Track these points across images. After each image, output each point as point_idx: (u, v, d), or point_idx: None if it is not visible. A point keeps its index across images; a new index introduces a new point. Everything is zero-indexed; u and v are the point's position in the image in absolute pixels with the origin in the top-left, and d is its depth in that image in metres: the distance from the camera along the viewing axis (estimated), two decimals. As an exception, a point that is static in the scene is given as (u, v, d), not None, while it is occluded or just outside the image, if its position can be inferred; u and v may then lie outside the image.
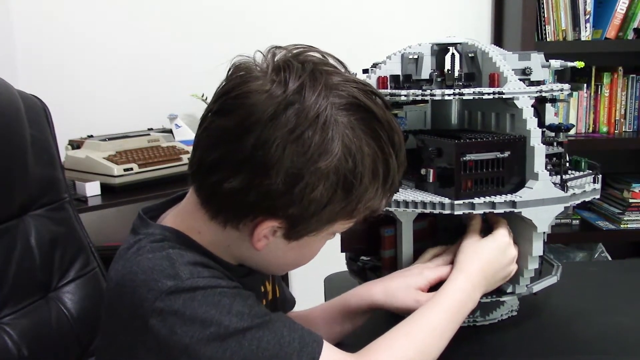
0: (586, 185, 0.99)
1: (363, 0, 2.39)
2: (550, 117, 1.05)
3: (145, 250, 0.74)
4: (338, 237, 1.06)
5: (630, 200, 2.30)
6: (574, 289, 1.18)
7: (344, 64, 0.76)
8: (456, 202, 0.91)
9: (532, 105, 0.94)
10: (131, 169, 1.88)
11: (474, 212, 0.91)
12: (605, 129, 2.34)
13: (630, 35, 2.21)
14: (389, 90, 0.98)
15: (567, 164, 1.04)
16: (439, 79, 1.00)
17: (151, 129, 2.21)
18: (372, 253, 1.08)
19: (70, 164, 1.89)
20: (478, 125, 1.07)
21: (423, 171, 0.97)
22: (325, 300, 1.17)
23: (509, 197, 0.91)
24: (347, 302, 0.95)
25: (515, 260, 0.94)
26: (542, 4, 2.17)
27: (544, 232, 0.94)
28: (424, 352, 0.79)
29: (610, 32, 2.22)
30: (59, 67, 2.26)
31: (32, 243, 1.05)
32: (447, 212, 0.91)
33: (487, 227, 0.96)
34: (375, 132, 0.72)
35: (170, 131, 2.20)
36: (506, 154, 0.92)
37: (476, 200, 0.91)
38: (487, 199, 0.91)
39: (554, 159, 1.01)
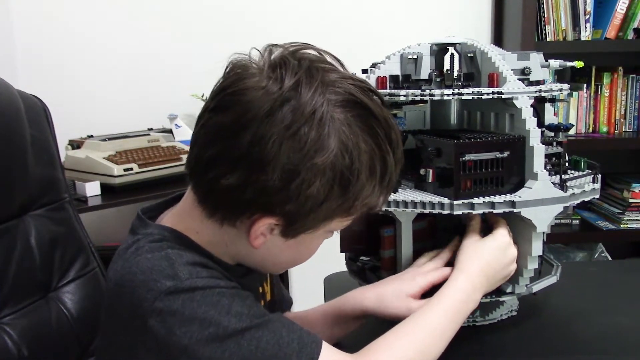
0: (586, 185, 0.99)
1: (363, 0, 2.39)
2: (550, 117, 1.05)
3: (144, 251, 0.74)
4: (338, 237, 1.06)
5: (630, 200, 2.30)
6: (574, 289, 1.18)
7: (340, 62, 0.76)
8: (455, 202, 0.91)
9: (532, 105, 0.94)
10: (131, 169, 1.88)
11: (474, 212, 0.91)
12: (605, 129, 2.34)
13: (630, 35, 2.21)
14: (388, 90, 0.98)
15: (567, 164, 1.04)
16: (438, 79, 1.00)
17: (151, 129, 2.21)
18: (371, 253, 1.08)
19: (70, 164, 1.89)
20: (477, 125, 1.07)
21: (422, 171, 0.97)
22: (325, 301, 1.18)
23: (508, 197, 0.91)
24: (341, 307, 0.95)
25: (515, 259, 0.94)
26: (542, 4, 2.17)
27: (544, 232, 0.94)
28: (424, 352, 0.79)
29: (610, 32, 2.22)
30: (59, 67, 2.26)
31: (32, 243, 1.05)
32: (446, 212, 0.91)
33: (487, 227, 0.96)
34: (372, 129, 0.72)
35: (170, 131, 2.20)
36: (505, 154, 0.92)
37: (475, 200, 0.91)
38: (487, 199, 0.91)
39: (554, 158, 1.01)
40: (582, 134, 2.33)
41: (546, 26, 2.19)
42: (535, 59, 1.00)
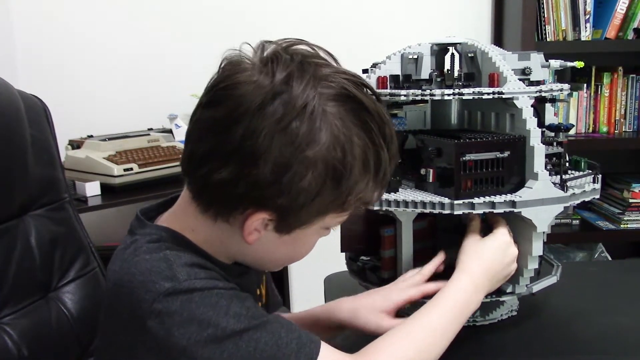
0: (586, 185, 0.99)
1: (363, 0, 2.39)
2: (550, 117, 1.05)
3: (142, 251, 0.74)
4: (338, 237, 1.06)
5: (630, 200, 2.30)
6: (574, 289, 1.18)
7: (334, 57, 0.76)
8: (456, 202, 0.91)
9: (532, 105, 0.94)
10: (131, 169, 1.88)
11: (474, 212, 0.91)
12: (605, 129, 2.34)
13: (630, 35, 2.21)
14: (388, 90, 0.98)
15: (567, 164, 1.04)
16: (438, 79, 1.00)
17: (151, 129, 2.21)
18: (371, 253, 1.08)
19: (70, 164, 1.89)
20: (478, 125, 1.07)
21: (423, 171, 0.97)
22: (325, 301, 1.18)
23: (508, 197, 0.91)
24: (319, 316, 0.95)
25: (516, 259, 0.94)
26: (542, 4, 2.17)
27: (544, 232, 0.94)
28: (424, 352, 0.79)
29: (610, 32, 2.22)
30: (59, 67, 2.26)
31: (32, 243, 1.05)
32: (446, 212, 0.91)
33: (487, 227, 0.96)
34: (365, 124, 0.72)
35: (170, 131, 2.20)
36: (506, 154, 0.92)
37: (476, 200, 0.91)
38: (487, 198, 0.91)
39: (554, 158, 1.01)
40: (582, 134, 2.33)
41: (546, 26, 2.19)
42: (536, 59, 1.00)
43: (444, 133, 0.98)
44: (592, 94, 2.32)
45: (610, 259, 2.39)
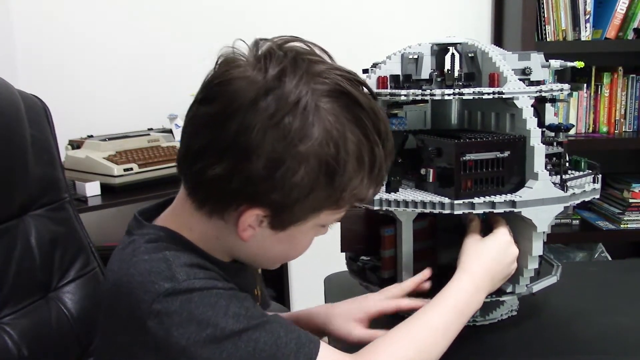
0: (586, 185, 0.99)
1: (363, 0, 2.39)
2: (550, 117, 1.05)
3: (141, 252, 0.74)
4: (338, 237, 1.06)
5: (630, 200, 2.29)
6: (574, 289, 1.18)
7: (329, 55, 0.76)
8: (456, 201, 0.91)
9: (532, 105, 0.94)
10: (131, 169, 1.88)
11: (474, 211, 0.91)
12: (605, 129, 2.34)
13: (630, 35, 2.21)
14: (388, 90, 0.98)
15: (567, 164, 1.04)
16: (438, 79, 1.00)
17: (151, 129, 2.21)
18: (372, 253, 1.08)
19: (70, 164, 1.89)
20: (478, 125, 1.07)
21: (423, 171, 0.97)
22: (325, 301, 1.18)
23: (508, 197, 0.91)
24: (297, 320, 0.95)
25: (516, 258, 0.94)
26: (542, 4, 2.17)
27: (544, 232, 0.94)
28: (424, 352, 0.79)
29: (610, 32, 2.21)
30: (59, 67, 2.26)
31: (32, 243, 1.05)
32: (447, 211, 0.91)
33: (487, 227, 0.96)
34: (359, 120, 0.72)
35: (170, 131, 2.20)
36: (506, 154, 0.92)
37: (476, 200, 0.91)
38: (487, 198, 0.91)
39: (554, 158, 1.01)
40: (582, 134, 2.33)
41: (546, 26, 2.19)
42: (536, 59, 1.00)
43: (444, 133, 0.98)
44: (592, 94, 2.32)
45: (610, 259, 2.39)
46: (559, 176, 0.96)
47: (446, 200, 0.91)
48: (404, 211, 0.94)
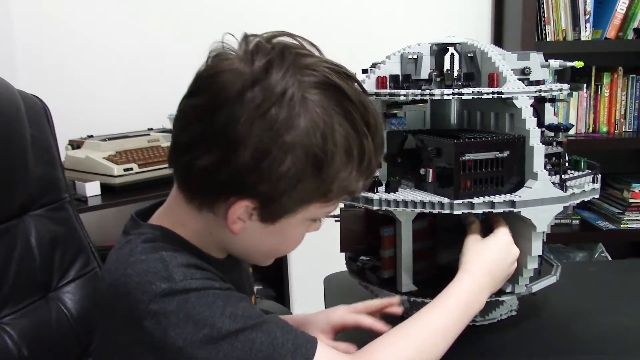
0: (585, 185, 0.99)
1: (363, 0, 2.39)
2: (550, 117, 1.05)
3: (138, 252, 0.74)
4: (338, 237, 1.06)
5: (630, 200, 2.29)
6: (574, 289, 1.18)
7: (318, 49, 0.76)
8: (455, 201, 0.91)
9: (532, 105, 0.94)
10: (131, 169, 1.88)
11: (474, 211, 0.91)
12: (605, 129, 2.34)
13: (630, 35, 2.21)
14: (388, 90, 0.98)
15: (567, 164, 1.04)
16: (438, 79, 1.00)
17: (151, 129, 2.20)
18: (371, 253, 1.08)
19: (70, 164, 1.89)
20: (477, 125, 1.07)
21: (422, 171, 0.97)
22: (324, 301, 1.18)
23: (508, 197, 0.91)
24: None
25: (517, 258, 0.94)
26: (542, 4, 2.17)
27: (544, 232, 0.94)
28: (424, 352, 0.79)
29: (610, 32, 2.21)
30: (59, 67, 2.25)
31: (32, 243, 1.05)
32: (446, 211, 0.91)
33: (487, 227, 0.96)
34: (348, 112, 0.72)
35: (170, 131, 2.20)
36: (505, 154, 0.92)
37: (475, 200, 0.91)
38: (487, 198, 0.91)
39: (554, 158, 1.01)
40: (582, 134, 2.33)
41: (546, 26, 2.19)
42: (535, 59, 1.00)
43: (444, 133, 0.98)
44: (592, 94, 2.32)
45: (610, 259, 2.39)
46: (558, 176, 0.96)
47: (445, 200, 0.91)
48: (403, 211, 0.94)
